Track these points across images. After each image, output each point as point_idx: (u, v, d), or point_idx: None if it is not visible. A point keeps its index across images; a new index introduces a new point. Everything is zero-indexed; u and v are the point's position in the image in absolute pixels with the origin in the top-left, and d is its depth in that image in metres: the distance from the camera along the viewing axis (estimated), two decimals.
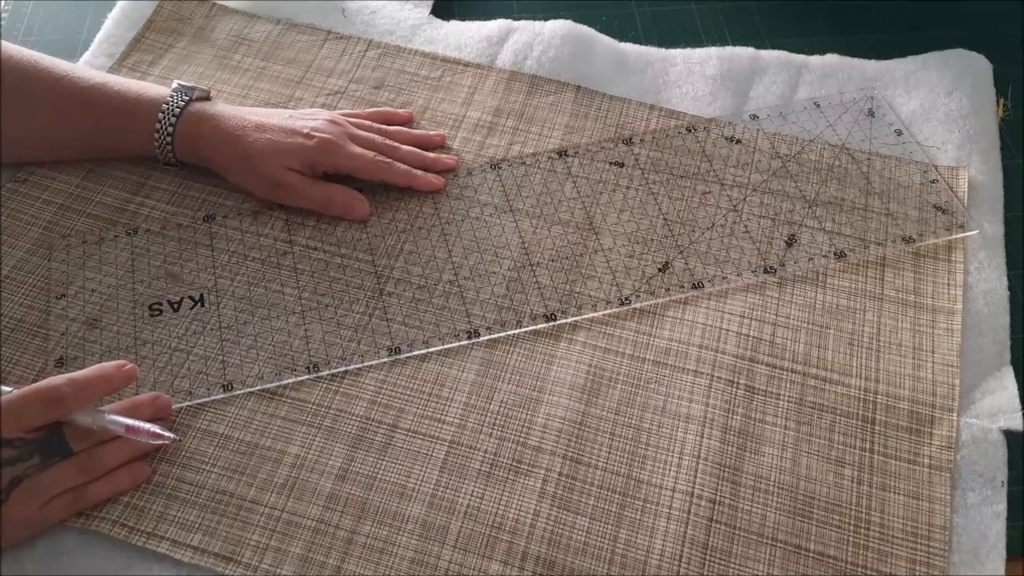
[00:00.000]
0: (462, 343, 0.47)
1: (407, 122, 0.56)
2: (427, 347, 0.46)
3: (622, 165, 0.54)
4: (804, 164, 0.54)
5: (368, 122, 0.54)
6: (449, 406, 0.45)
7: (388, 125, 0.55)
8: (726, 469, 0.43)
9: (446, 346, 0.47)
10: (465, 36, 0.61)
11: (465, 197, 0.53)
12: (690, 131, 0.56)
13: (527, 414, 0.45)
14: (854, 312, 0.48)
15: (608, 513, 0.42)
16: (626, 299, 0.48)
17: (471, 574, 0.40)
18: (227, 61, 0.59)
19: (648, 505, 0.42)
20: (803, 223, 0.51)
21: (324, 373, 0.45)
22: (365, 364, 0.46)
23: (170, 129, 0.50)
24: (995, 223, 0.52)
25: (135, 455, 0.42)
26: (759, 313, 0.48)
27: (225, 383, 0.45)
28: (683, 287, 0.49)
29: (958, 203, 0.52)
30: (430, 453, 0.43)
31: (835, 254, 0.50)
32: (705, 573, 0.40)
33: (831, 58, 0.59)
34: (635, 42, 0.61)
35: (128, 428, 0.41)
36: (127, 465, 0.42)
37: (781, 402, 0.45)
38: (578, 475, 0.43)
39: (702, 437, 0.44)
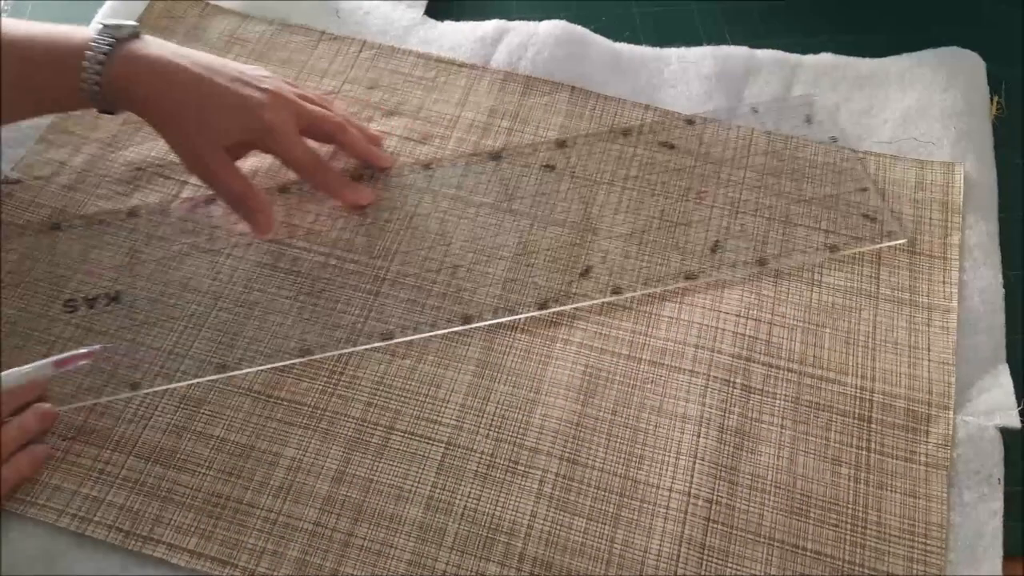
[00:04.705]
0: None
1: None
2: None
3: (553, 168, 0.54)
4: (736, 171, 0.54)
5: (314, 96, 0.51)
6: (445, 408, 0.45)
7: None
8: (723, 469, 0.43)
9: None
10: (459, 36, 0.61)
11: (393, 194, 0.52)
12: (625, 135, 0.55)
13: (523, 415, 0.45)
14: (850, 311, 0.48)
15: (605, 513, 0.42)
16: (544, 303, 0.48)
17: (468, 575, 0.40)
18: None
19: (645, 505, 0.42)
20: (729, 230, 0.51)
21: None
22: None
23: (96, 78, 0.44)
24: (990, 220, 0.52)
25: (28, 437, 0.42)
26: (755, 312, 0.48)
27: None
28: (603, 293, 0.48)
29: (887, 212, 0.51)
30: (426, 455, 0.43)
31: (758, 261, 0.49)
32: (703, 573, 0.40)
33: (825, 57, 0.59)
34: (634, 42, 0.61)
35: (56, 363, 0.42)
36: (24, 449, 0.42)
37: (777, 401, 0.45)
38: (575, 476, 0.43)
39: (699, 437, 0.44)
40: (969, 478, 0.43)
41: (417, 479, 0.43)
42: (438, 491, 0.42)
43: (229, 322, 0.47)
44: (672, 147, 0.54)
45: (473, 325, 0.47)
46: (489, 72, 0.59)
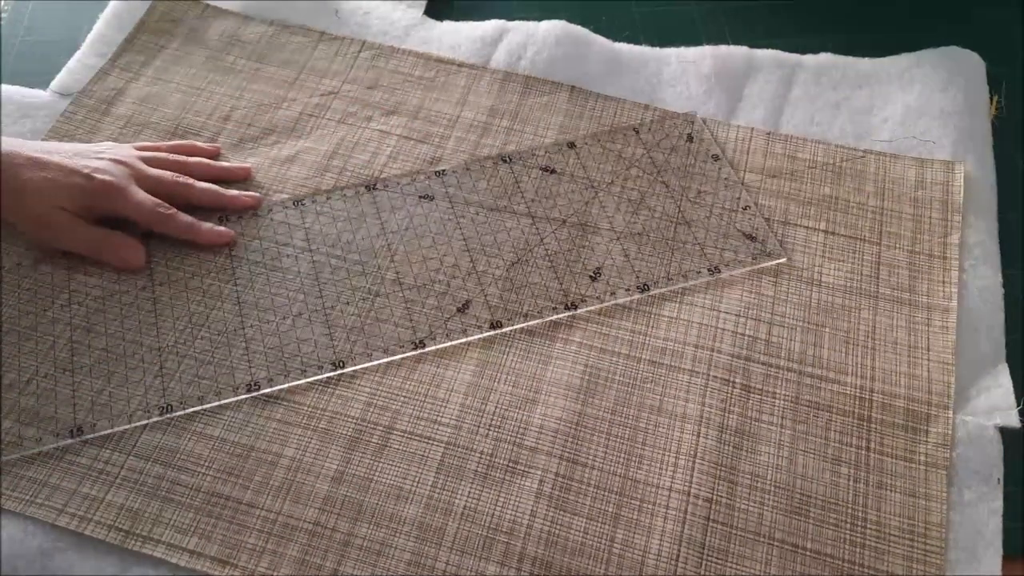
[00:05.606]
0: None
1: (212, 156, 0.54)
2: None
3: (432, 199, 0.53)
4: (615, 195, 0.53)
5: (165, 155, 0.52)
6: (445, 407, 0.45)
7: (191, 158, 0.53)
8: (723, 468, 0.43)
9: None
10: (459, 36, 0.61)
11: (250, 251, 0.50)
12: (506, 162, 0.54)
13: (523, 415, 0.45)
14: (849, 310, 0.48)
15: (605, 513, 0.42)
16: (421, 342, 0.47)
17: (468, 575, 0.40)
18: (220, 62, 0.59)
19: (645, 505, 0.42)
20: (609, 254, 0.50)
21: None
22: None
23: None
24: (990, 219, 0.52)
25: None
26: (755, 312, 0.48)
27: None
28: (481, 328, 0.47)
29: (767, 231, 0.51)
30: (426, 455, 0.43)
31: (638, 288, 0.49)
32: (702, 573, 0.40)
33: (824, 57, 0.59)
34: (634, 42, 0.61)
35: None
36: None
37: (777, 401, 0.45)
38: (574, 475, 0.43)
39: (698, 436, 0.44)
40: (969, 478, 0.43)
41: (417, 479, 0.43)
42: (438, 491, 0.42)
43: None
44: (553, 172, 0.54)
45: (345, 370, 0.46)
46: (489, 72, 0.59)
